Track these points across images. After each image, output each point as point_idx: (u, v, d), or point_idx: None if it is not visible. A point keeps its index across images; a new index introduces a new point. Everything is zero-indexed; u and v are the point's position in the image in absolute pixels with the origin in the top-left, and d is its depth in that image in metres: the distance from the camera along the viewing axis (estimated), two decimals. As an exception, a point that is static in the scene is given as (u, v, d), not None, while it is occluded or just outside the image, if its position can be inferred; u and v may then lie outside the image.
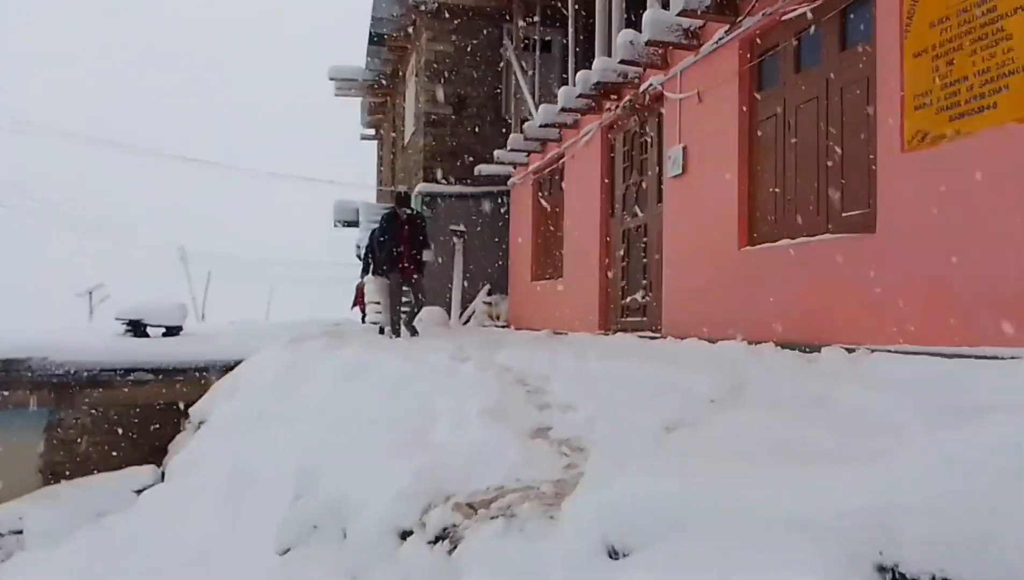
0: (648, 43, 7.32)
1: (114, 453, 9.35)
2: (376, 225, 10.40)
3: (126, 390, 9.66)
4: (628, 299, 9.00)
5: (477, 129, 14.44)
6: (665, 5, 7.32)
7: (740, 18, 6.45)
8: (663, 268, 7.85)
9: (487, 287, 14.08)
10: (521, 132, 11.82)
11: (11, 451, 8.96)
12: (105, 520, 6.29)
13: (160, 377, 9.83)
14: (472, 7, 14.11)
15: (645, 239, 8.59)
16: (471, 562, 2.60)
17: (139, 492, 7.19)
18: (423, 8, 14.18)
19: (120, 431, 9.53)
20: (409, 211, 9.86)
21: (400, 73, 18.24)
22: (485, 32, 14.35)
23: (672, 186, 7.69)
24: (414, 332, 9.66)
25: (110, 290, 19.08)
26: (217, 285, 31.35)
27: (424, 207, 13.65)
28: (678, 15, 6.69)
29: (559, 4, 12.15)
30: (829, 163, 5.68)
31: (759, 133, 6.51)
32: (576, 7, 10.83)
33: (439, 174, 14.07)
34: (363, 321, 15.69)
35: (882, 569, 1.81)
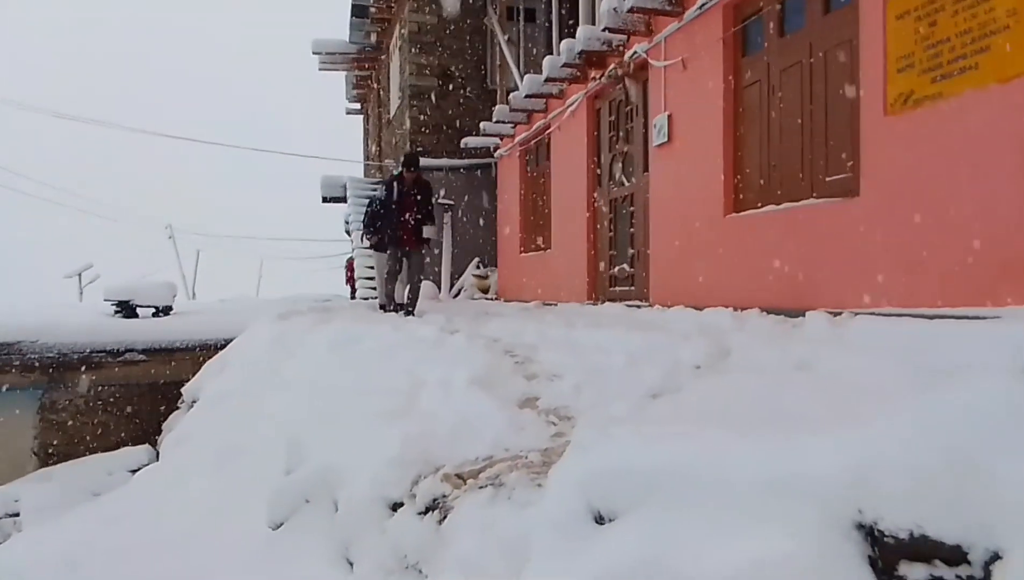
0: (631, 10, 7.27)
1: (109, 434, 9.38)
2: (373, 196, 9.73)
3: (118, 370, 9.67)
4: (616, 269, 9.03)
5: (463, 101, 14.34)
6: (649, -29, 7.26)
7: (724, -17, 6.41)
8: (650, 237, 7.87)
9: (476, 260, 14.08)
10: (507, 103, 11.74)
11: (5, 434, 8.98)
12: (100, 499, 6.32)
13: (152, 357, 9.83)
14: (455, -24, 13.95)
15: (632, 208, 8.60)
16: (460, 531, 2.65)
17: (134, 471, 7.22)
18: (405, -22, 14.00)
19: (114, 412, 9.55)
20: (415, 173, 8.77)
21: (384, 45, 18.05)
22: (469, 2, 14.19)
23: (658, 155, 7.68)
24: (409, 311, 8.77)
25: (99, 270, 18.97)
26: (207, 263, 31.26)
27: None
28: (661, -19, 6.65)
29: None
30: (813, 128, 5.68)
31: (744, 99, 6.50)
32: (559, -26, 10.72)
33: (425, 147, 14.00)
34: (352, 296, 15.67)
35: (861, 526, 1.85)
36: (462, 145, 13.55)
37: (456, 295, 13.63)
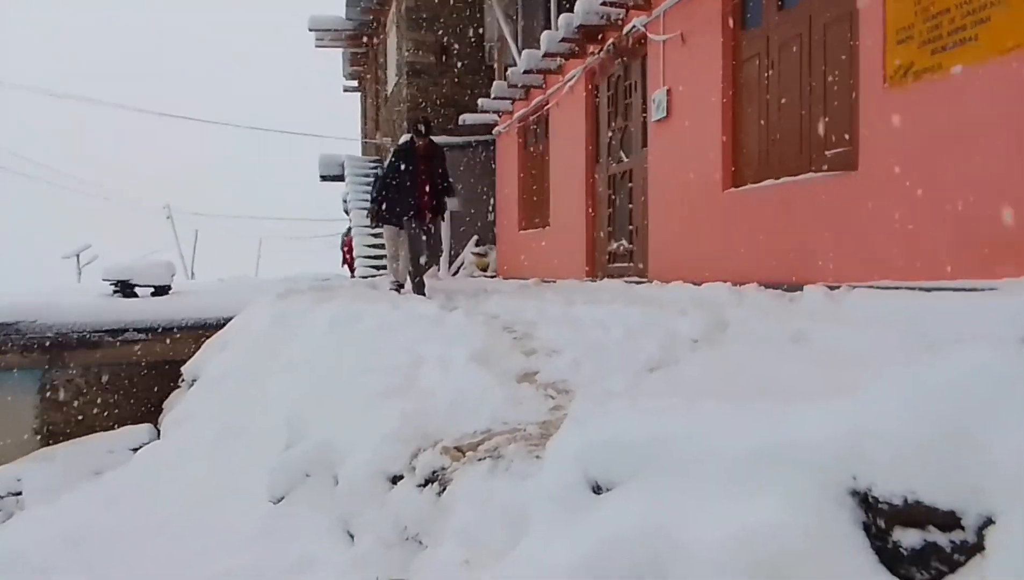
0: (630, -17, 7.22)
1: (110, 413, 9.42)
2: (376, 172, 9.34)
3: (118, 350, 9.69)
4: (615, 245, 9.02)
5: (461, 78, 14.25)
6: (647, -57, 7.20)
7: (722, -45, 6.35)
8: (648, 213, 7.86)
9: (475, 238, 14.08)
10: (505, 79, 11.67)
11: (7, 414, 9.02)
12: (102, 477, 6.37)
13: (151, 336, 9.85)
14: (451, -49, 13.82)
15: (630, 184, 8.58)
16: (459, 502, 2.67)
17: (135, 450, 7.26)
18: (401, -47, 13.87)
19: (115, 391, 9.59)
20: (427, 138, 8.05)
21: (381, 22, 17.90)
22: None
23: (656, 130, 7.65)
24: (421, 289, 8.08)
25: (97, 251, 18.95)
26: (205, 242, 31.18)
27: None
28: (660, -47, 6.59)
29: (540, -54, 11.90)
30: (812, 102, 5.66)
31: (743, 73, 6.46)
32: (557, -52, 10.61)
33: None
34: (352, 275, 15.63)
35: (855, 493, 1.86)
36: (460, 122, 13.48)
37: (455, 273, 13.64)
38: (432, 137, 8.15)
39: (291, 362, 5.26)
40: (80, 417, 9.36)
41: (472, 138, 13.84)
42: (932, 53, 4.51)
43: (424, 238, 8.08)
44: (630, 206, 8.57)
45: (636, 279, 8.01)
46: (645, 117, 8.03)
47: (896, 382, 2.08)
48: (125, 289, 11.45)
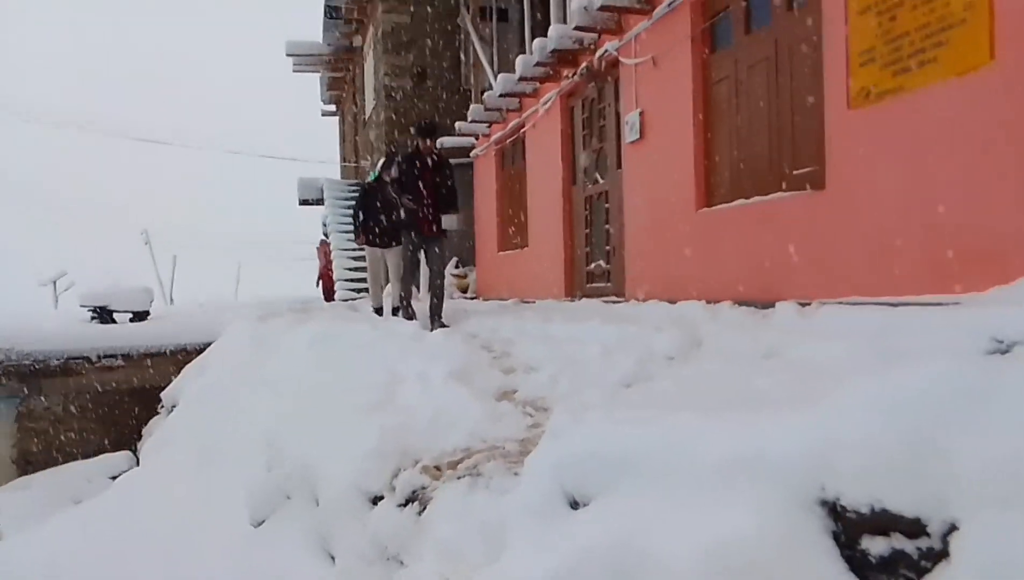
0: (601, 8, 7.35)
1: (88, 440, 9.32)
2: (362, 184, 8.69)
3: (96, 376, 9.61)
4: (592, 265, 9.11)
5: (438, 101, 14.37)
6: (618, -31, 7.34)
7: (691, -20, 6.50)
8: (624, 233, 7.96)
9: (455, 259, 14.11)
10: (481, 102, 11.79)
11: (-19, 443, 8.90)
12: (81, 506, 6.30)
13: (130, 362, 9.78)
14: (426, -24, 13.99)
15: (607, 205, 8.69)
16: (439, 519, 2.71)
17: (114, 478, 7.19)
18: (377, -22, 14.01)
19: (93, 418, 9.49)
20: (432, 143, 7.42)
21: (359, 46, 18.02)
22: (442, 2, 14.22)
23: (630, 151, 7.77)
24: (440, 320, 6.98)
25: (74, 277, 18.75)
26: (184, 267, 30.92)
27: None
28: (630, -21, 6.74)
29: (514, -29, 12.08)
30: (780, 122, 5.80)
31: (713, 95, 6.60)
32: (531, -26, 10.78)
33: (401, 147, 14.00)
34: (328, 298, 15.39)
35: (824, 503, 1.91)
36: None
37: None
38: (433, 145, 7.43)
39: (270, 382, 5.27)
40: (58, 445, 9.25)
41: (450, 161, 13.91)
42: (894, 75, 4.65)
43: (425, 256, 7.35)
44: (607, 226, 8.68)
45: (614, 298, 8.09)
46: (619, 139, 8.16)
47: (862, 394, 2.14)
48: (103, 315, 11.37)
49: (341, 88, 21.54)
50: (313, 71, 20.68)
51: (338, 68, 20.15)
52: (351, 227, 15.86)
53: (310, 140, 32.28)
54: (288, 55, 19.28)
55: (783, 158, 5.75)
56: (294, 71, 20.09)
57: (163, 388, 7.96)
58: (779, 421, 2.19)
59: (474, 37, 12.75)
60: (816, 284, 5.13)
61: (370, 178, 9.44)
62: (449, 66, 14.44)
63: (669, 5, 6.86)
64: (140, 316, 11.74)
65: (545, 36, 8.96)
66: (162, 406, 8.03)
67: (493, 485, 2.71)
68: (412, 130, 7.87)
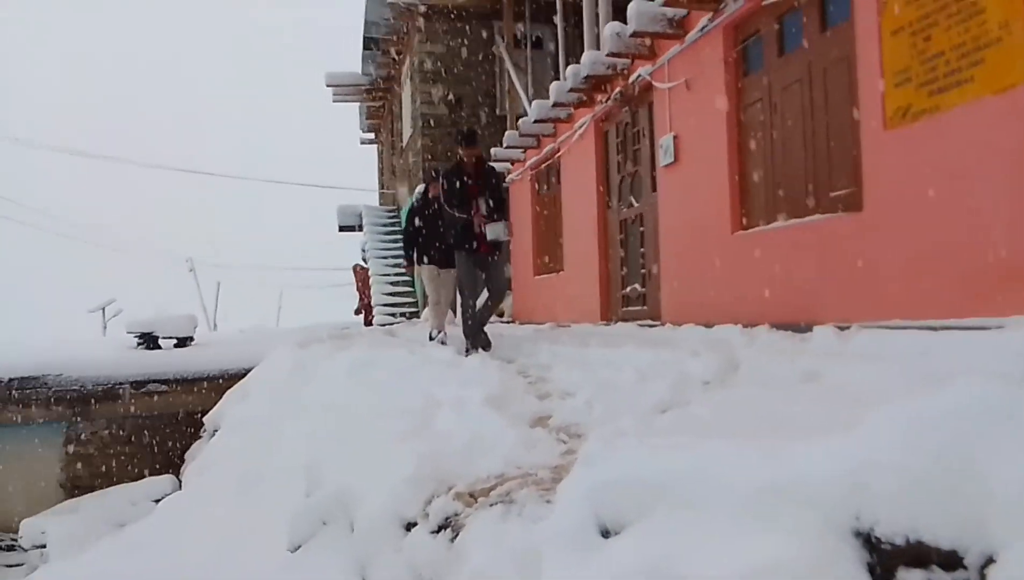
0: (634, 34, 7.40)
1: (133, 464, 9.53)
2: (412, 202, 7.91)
3: (141, 402, 9.84)
4: (628, 289, 9.09)
5: (474, 128, 14.55)
6: (650, -5, 7.40)
7: (722, 5, 6.52)
8: (660, 256, 7.95)
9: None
10: (516, 128, 11.90)
11: (32, 466, 9.16)
12: (125, 529, 6.44)
13: (174, 387, 10.00)
14: (462, 7, 14.23)
15: (642, 228, 8.68)
16: (471, 547, 2.71)
17: (158, 501, 7.33)
18: (414, 11, 14.29)
19: (138, 442, 9.72)
20: (477, 149, 6.86)
21: (396, 76, 18.36)
22: (477, 32, 14.46)
23: (665, 175, 7.77)
24: (486, 341, 6.64)
25: (122, 305, 19.29)
26: (227, 294, 31.60)
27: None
28: (662, 5, 6.79)
29: (547, 0, 12.23)
30: (815, 144, 5.76)
31: (746, 118, 6.59)
32: (563, 2, 10.90)
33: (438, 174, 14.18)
34: (368, 323, 15.53)
35: (859, 533, 1.88)
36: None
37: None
38: (476, 154, 6.87)
39: (310, 408, 5.34)
40: (104, 469, 9.48)
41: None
42: (930, 95, 4.61)
43: (482, 273, 6.82)
44: (642, 250, 8.67)
45: (649, 322, 8.06)
46: (653, 162, 8.17)
47: (896, 416, 2.12)
48: (148, 341, 11.65)
49: (379, 117, 21.93)
50: (352, 101, 21.09)
51: (376, 97, 20.53)
52: (388, 253, 16.01)
53: (349, 168, 32.84)
54: (328, 85, 19.70)
55: (819, 180, 5.70)
56: (334, 101, 20.52)
57: (206, 413, 8.11)
58: (814, 447, 2.17)
59: (509, 65, 12.91)
60: (854, 307, 5.06)
61: (409, 204, 9.27)
62: (484, 93, 14.64)
63: (701, 30, 6.89)
64: (184, 342, 12.00)
65: (579, 62, 9.03)
66: (204, 430, 8.18)
67: (526, 512, 2.71)
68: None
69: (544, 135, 11.32)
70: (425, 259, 7.95)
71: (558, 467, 3.14)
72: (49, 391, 9.47)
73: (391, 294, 15.47)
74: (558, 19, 11.06)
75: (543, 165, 11.98)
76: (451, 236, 6.76)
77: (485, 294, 6.93)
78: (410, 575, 2.96)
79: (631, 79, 8.40)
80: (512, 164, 13.12)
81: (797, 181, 5.94)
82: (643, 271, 8.65)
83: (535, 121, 10.69)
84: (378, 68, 18.45)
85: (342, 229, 19.52)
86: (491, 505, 2.85)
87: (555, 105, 10.05)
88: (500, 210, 6.74)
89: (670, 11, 7.10)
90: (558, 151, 11.06)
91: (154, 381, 9.96)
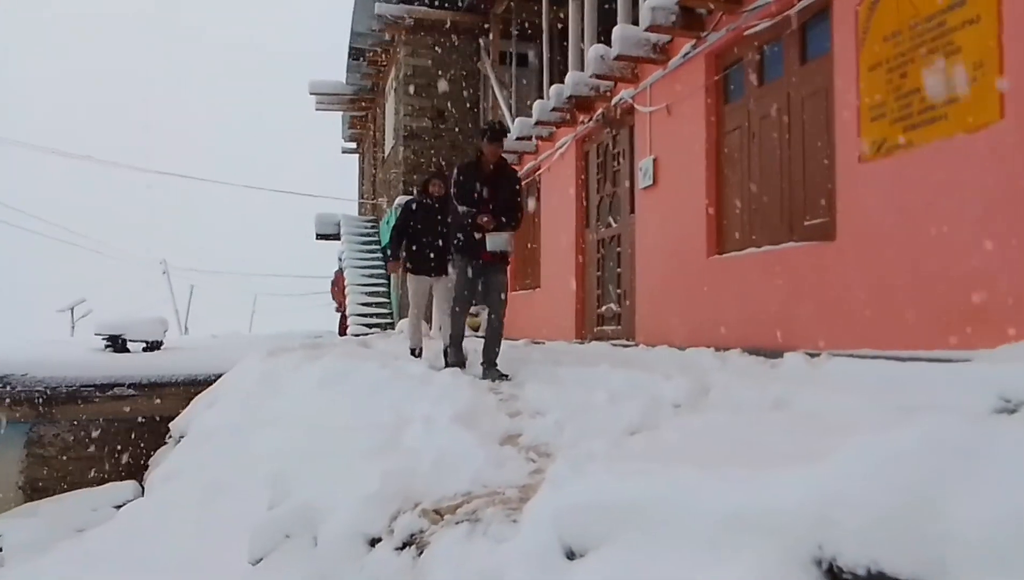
0: (618, 57, 7.48)
1: (95, 469, 9.34)
2: (405, 202, 7.28)
3: (107, 405, 9.66)
4: (603, 308, 9.13)
5: (456, 142, 14.57)
6: (635, 20, 7.48)
7: (705, 33, 6.61)
8: (636, 277, 7.99)
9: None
10: (499, 144, 11.92)
11: (-10, 468, 8.94)
12: (84, 535, 6.30)
13: (141, 392, 9.84)
14: (449, 22, 14.28)
15: (619, 249, 8.73)
16: (435, 565, 2.69)
17: (119, 507, 7.20)
18: (401, 23, 14.32)
19: (101, 446, 9.53)
20: (499, 146, 6.04)
21: (380, 87, 18.35)
22: (463, 46, 14.51)
23: (643, 197, 7.83)
24: (500, 373, 5.78)
25: (92, 305, 18.99)
26: (200, 298, 31.24)
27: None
28: (646, 30, 6.86)
29: (534, 19, 12.31)
30: (792, 173, 5.84)
31: (726, 144, 6.67)
32: (550, 22, 10.99)
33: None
34: (342, 333, 15.42)
35: (819, 563, 1.89)
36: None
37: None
38: (500, 150, 6.08)
39: (279, 419, 5.28)
40: (65, 473, 9.28)
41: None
42: (904, 130, 4.69)
43: (483, 287, 6.19)
44: (618, 270, 8.71)
45: (623, 342, 8.08)
46: (633, 184, 8.23)
47: (860, 450, 2.13)
48: (117, 344, 11.47)
49: (362, 126, 21.90)
50: (335, 109, 21.04)
51: (359, 107, 20.50)
52: (365, 263, 15.83)
53: (329, 176, 32.72)
54: (311, 93, 19.65)
55: (794, 208, 5.78)
56: (316, 109, 20.45)
57: (172, 418, 7.99)
58: (780, 477, 2.18)
59: (493, 81, 12.97)
60: (825, 334, 5.12)
61: (387, 218, 8.88)
62: (468, 108, 14.67)
63: (684, 56, 6.97)
64: (153, 346, 11.84)
65: (562, 82, 9.10)
66: (170, 436, 8.05)
67: (491, 532, 2.69)
68: (483, 133, 6.03)
69: (526, 152, 11.37)
70: (416, 267, 7.16)
71: (526, 486, 3.12)
72: (13, 391, 9.28)
73: (366, 305, 15.39)
74: (544, 39, 11.14)
75: (524, 182, 12.02)
76: (456, 240, 6.07)
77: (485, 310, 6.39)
78: (372, 592, 2.92)
79: (613, 101, 8.47)
80: (493, 179, 13.12)
81: (773, 209, 6.01)
82: (619, 291, 8.69)
83: (517, 138, 10.74)
84: (363, 78, 18.44)
85: (319, 237, 19.41)
86: (457, 523, 2.83)
87: (538, 123, 10.11)
88: (511, 217, 6.06)
89: (654, 36, 7.19)
90: (539, 169, 11.10)
91: (120, 385, 9.80)
